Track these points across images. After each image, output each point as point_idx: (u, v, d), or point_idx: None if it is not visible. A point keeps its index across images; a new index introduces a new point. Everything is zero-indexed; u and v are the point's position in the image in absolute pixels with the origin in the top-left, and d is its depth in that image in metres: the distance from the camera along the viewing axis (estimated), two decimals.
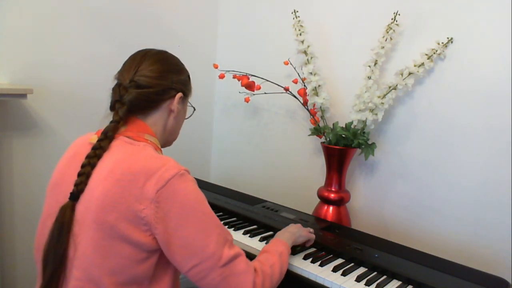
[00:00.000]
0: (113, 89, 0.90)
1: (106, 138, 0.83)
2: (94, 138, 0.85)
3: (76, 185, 0.80)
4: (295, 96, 1.64)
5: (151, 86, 0.88)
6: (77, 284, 0.78)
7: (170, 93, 0.92)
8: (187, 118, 1.05)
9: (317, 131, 1.57)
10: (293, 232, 1.10)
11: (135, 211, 0.76)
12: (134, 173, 0.77)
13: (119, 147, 0.83)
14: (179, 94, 0.93)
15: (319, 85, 1.53)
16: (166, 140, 0.98)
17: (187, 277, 0.82)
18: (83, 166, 0.81)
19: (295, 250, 1.13)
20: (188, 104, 1.02)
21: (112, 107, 0.89)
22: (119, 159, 0.80)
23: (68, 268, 0.79)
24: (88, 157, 0.82)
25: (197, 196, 0.81)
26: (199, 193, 0.81)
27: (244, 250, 1.13)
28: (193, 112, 1.06)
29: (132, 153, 0.81)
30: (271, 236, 1.21)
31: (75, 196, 0.79)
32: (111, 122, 0.85)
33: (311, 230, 1.18)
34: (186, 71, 0.99)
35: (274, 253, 0.95)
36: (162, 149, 0.95)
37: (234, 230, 1.26)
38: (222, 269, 0.79)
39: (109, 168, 0.79)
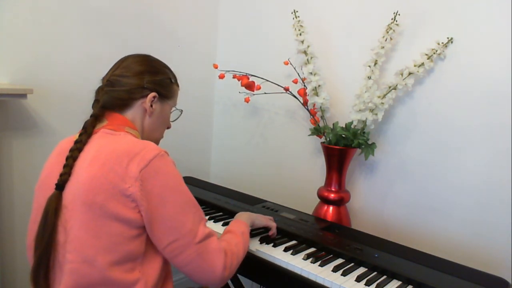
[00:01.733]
0: (95, 91, 0.97)
1: (85, 132, 0.89)
2: (77, 136, 0.91)
3: (60, 175, 0.85)
4: (295, 96, 1.64)
5: (122, 85, 0.93)
6: (72, 267, 0.81)
7: (142, 92, 0.95)
8: (173, 120, 1.08)
9: (317, 131, 1.57)
10: (250, 214, 1.16)
11: (121, 190, 0.80)
12: (117, 155, 0.82)
13: (100, 139, 0.88)
14: (152, 94, 0.96)
15: (319, 85, 1.53)
16: (147, 139, 0.98)
17: (163, 254, 0.86)
18: (66, 159, 0.86)
19: (295, 250, 1.13)
20: (174, 109, 1.07)
21: (92, 106, 0.96)
22: (102, 145, 0.86)
23: (61, 254, 0.83)
24: (71, 150, 0.87)
25: (176, 176, 0.86)
26: (177, 174, 0.87)
27: None
28: (180, 114, 1.10)
29: (113, 140, 0.87)
30: (271, 236, 1.21)
31: (59, 185, 0.84)
32: (90, 117, 0.92)
33: (272, 218, 1.23)
34: (167, 73, 1.02)
35: (237, 232, 1.00)
36: None
37: None
38: (197, 245, 0.84)
39: (92, 155, 0.84)
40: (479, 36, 1.31)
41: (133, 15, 1.76)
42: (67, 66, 1.59)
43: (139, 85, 0.94)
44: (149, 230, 0.84)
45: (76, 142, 0.88)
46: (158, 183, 0.82)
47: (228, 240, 0.96)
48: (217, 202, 1.46)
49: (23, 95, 1.39)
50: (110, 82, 0.94)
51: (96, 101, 0.95)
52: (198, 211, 0.88)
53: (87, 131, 0.89)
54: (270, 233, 1.20)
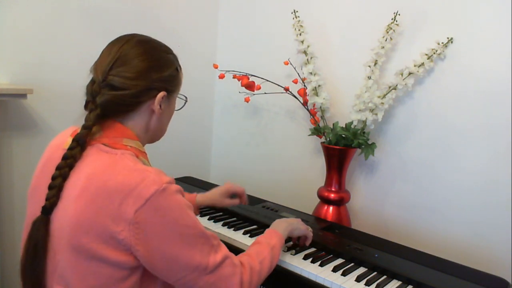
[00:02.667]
0: (87, 86, 0.81)
1: (77, 146, 0.76)
2: (68, 143, 0.78)
3: (47, 199, 0.74)
4: (295, 96, 1.64)
5: (126, 88, 0.78)
6: None
7: (150, 93, 0.82)
8: (178, 109, 0.96)
9: (317, 131, 1.57)
10: (291, 223, 1.08)
11: (111, 233, 0.70)
12: (109, 191, 0.70)
13: (94, 157, 0.76)
14: (162, 93, 0.83)
15: (319, 85, 1.53)
16: (150, 139, 0.90)
17: (175, 286, 0.80)
18: (53, 178, 0.75)
19: (295, 250, 1.13)
20: (181, 97, 0.95)
21: (85, 107, 0.81)
22: (94, 172, 0.73)
23: (49, 284, 0.77)
24: (58, 168, 0.75)
25: (180, 209, 0.74)
26: (181, 206, 0.74)
27: (244, 250, 1.13)
28: (185, 103, 0.97)
29: (108, 164, 0.74)
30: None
31: (47, 210, 0.74)
32: (83, 127, 0.77)
33: (311, 229, 1.18)
34: (172, 63, 0.88)
35: (266, 246, 0.93)
36: (153, 143, 0.91)
37: (234, 230, 1.26)
38: (209, 275, 0.77)
39: (82, 184, 0.72)
40: (479, 36, 1.31)
41: (133, 15, 1.76)
42: (67, 66, 1.59)
43: (146, 86, 0.80)
44: (152, 270, 0.75)
45: (65, 157, 0.75)
46: (157, 221, 0.71)
47: (253, 254, 0.89)
48: None
49: (23, 95, 1.39)
50: (108, 83, 0.77)
51: (90, 103, 0.78)
52: (207, 240, 0.78)
53: (81, 145, 0.76)
54: (303, 242, 1.15)
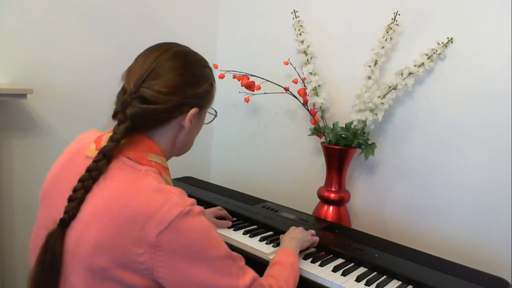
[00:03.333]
0: (118, 95, 0.78)
1: (104, 158, 0.73)
2: (92, 150, 0.77)
3: (66, 211, 0.71)
4: (295, 96, 1.64)
5: (159, 103, 0.75)
6: None
7: (182, 109, 0.79)
8: (207, 123, 0.94)
9: (317, 131, 1.57)
10: (299, 238, 1.08)
11: (132, 255, 0.68)
12: (132, 213, 0.68)
13: (118, 171, 0.73)
14: (194, 110, 0.80)
15: (319, 85, 1.53)
16: (175, 153, 0.89)
17: None
18: (75, 190, 0.72)
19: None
20: (210, 111, 0.93)
21: (114, 116, 0.77)
22: (118, 191, 0.71)
23: None
24: (81, 180, 0.72)
25: (205, 232, 0.72)
26: (206, 228, 0.72)
27: (244, 250, 1.14)
28: (215, 117, 0.94)
29: (131, 182, 0.71)
30: (271, 236, 1.21)
31: (65, 222, 0.71)
32: (111, 139, 0.74)
33: (313, 232, 1.19)
34: (208, 79, 0.85)
35: (286, 265, 0.92)
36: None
37: (234, 230, 1.26)
38: None
39: (105, 202, 0.70)
40: (479, 36, 1.31)
41: (133, 15, 1.76)
42: (67, 66, 1.59)
43: (179, 102, 0.77)
44: None
45: (90, 169, 0.72)
46: (182, 245, 0.68)
47: (277, 275, 0.88)
48: (217, 202, 1.46)
49: (23, 95, 1.39)
50: (140, 95, 0.74)
51: (120, 113, 0.75)
52: (234, 262, 0.75)
53: (107, 158, 0.73)
54: (311, 246, 1.16)
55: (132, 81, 0.75)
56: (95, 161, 0.73)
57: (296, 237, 1.08)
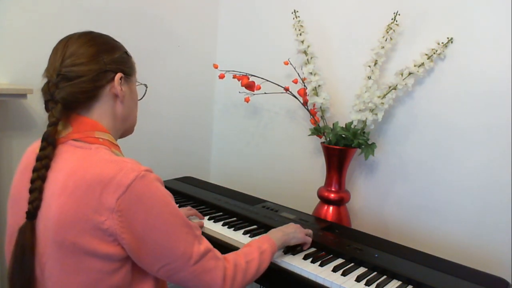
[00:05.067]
0: (42, 89, 0.81)
1: (48, 145, 0.75)
2: (37, 150, 0.78)
3: (30, 202, 0.73)
4: (295, 96, 1.64)
5: (82, 75, 0.77)
6: None
7: (107, 76, 0.81)
8: (140, 99, 0.95)
9: (317, 131, 1.57)
10: (287, 232, 1.07)
11: (96, 224, 0.70)
12: (88, 183, 0.70)
13: (69, 154, 0.76)
14: (119, 75, 0.82)
15: (319, 85, 1.53)
16: (123, 129, 0.89)
17: (157, 276, 0.79)
18: (32, 181, 0.74)
19: (295, 250, 1.13)
20: (137, 84, 0.93)
21: (46, 108, 0.79)
22: (71, 169, 0.73)
23: None
24: (35, 170, 0.75)
25: (162, 197, 0.75)
26: (163, 193, 0.76)
27: None
28: (146, 90, 0.96)
29: (83, 159, 0.74)
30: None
31: (31, 214, 0.73)
32: (48, 125, 0.76)
33: (310, 232, 1.17)
34: (121, 47, 0.87)
35: (256, 249, 0.93)
36: (124, 139, 0.91)
37: (234, 230, 1.26)
38: (193, 267, 0.77)
39: (62, 181, 0.73)
40: (479, 36, 1.31)
41: (133, 15, 1.76)
42: None
43: (100, 69, 0.79)
44: (136, 259, 0.75)
45: (39, 158, 0.75)
46: (141, 208, 0.71)
47: (242, 253, 0.89)
48: (217, 202, 1.46)
49: (23, 95, 1.39)
50: (64, 75, 0.77)
51: (50, 101, 0.77)
52: (191, 230, 0.78)
53: (51, 143, 0.75)
54: (304, 248, 1.15)
55: (52, 70, 0.79)
56: (41, 149, 0.75)
57: (284, 231, 1.08)
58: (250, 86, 1.66)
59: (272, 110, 1.92)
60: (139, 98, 0.94)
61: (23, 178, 0.80)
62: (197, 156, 2.17)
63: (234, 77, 1.68)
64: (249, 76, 1.67)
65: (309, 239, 1.14)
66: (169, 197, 0.77)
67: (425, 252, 1.17)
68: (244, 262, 0.87)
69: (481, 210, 1.34)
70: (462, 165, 1.37)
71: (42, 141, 0.76)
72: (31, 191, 0.74)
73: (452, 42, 1.35)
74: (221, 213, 1.40)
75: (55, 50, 0.82)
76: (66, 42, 0.82)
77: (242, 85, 1.67)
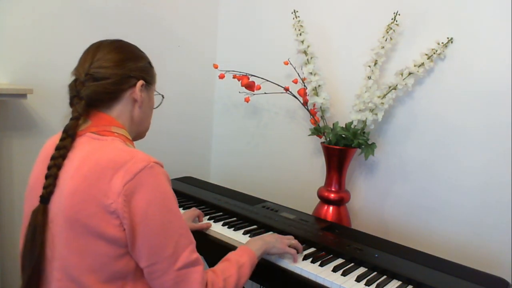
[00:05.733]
0: (69, 85, 0.88)
1: (67, 137, 0.82)
2: (57, 141, 0.84)
3: (44, 187, 0.78)
4: (295, 96, 1.64)
5: (108, 77, 0.85)
6: (59, 285, 0.77)
7: (130, 81, 0.88)
8: (156, 107, 1.01)
9: (317, 131, 1.57)
10: (267, 241, 1.04)
11: (104, 206, 0.74)
12: (101, 168, 0.75)
13: (85, 144, 0.81)
14: (140, 82, 0.89)
15: (319, 85, 1.53)
16: (137, 131, 0.94)
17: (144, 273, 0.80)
18: (49, 168, 0.80)
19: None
20: (155, 93, 0.99)
21: (71, 103, 0.86)
22: (86, 155, 0.79)
23: (49, 270, 0.79)
24: (52, 158, 0.80)
25: (165, 192, 0.78)
26: (167, 189, 0.79)
27: None
28: (162, 100, 1.01)
29: (99, 148, 0.80)
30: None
31: (45, 199, 0.78)
32: (71, 119, 0.83)
33: (294, 243, 1.10)
34: (146, 58, 0.95)
35: (234, 264, 0.91)
36: (136, 142, 0.94)
37: (234, 230, 1.26)
38: (177, 272, 0.77)
39: (76, 165, 0.78)
40: (479, 36, 1.31)
41: (133, 15, 1.76)
42: (67, 66, 1.56)
43: (124, 74, 0.86)
44: (130, 248, 0.77)
45: (58, 148, 0.81)
46: (143, 197, 0.75)
47: (219, 272, 0.87)
48: (217, 202, 1.46)
49: (23, 95, 1.40)
50: (91, 75, 0.84)
51: (75, 97, 0.84)
52: (186, 234, 0.80)
53: (70, 135, 0.82)
54: (294, 260, 1.07)
55: (82, 69, 0.86)
56: (61, 140, 0.82)
57: (265, 240, 1.04)
58: (250, 86, 1.66)
59: (272, 110, 1.92)
60: (155, 106, 1.00)
61: (42, 167, 0.83)
62: (197, 156, 2.17)
63: (234, 77, 1.68)
64: (249, 76, 1.67)
65: (292, 251, 1.06)
66: (172, 195, 0.79)
67: (425, 252, 1.16)
68: (221, 281, 0.85)
69: (481, 210, 1.34)
70: (462, 165, 1.37)
71: (63, 132, 0.82)
72: (46, 177, 0.79)
73: (452, 42, 1.35)
74: (221, 213, 1.40)
75: (86, 52, 0.89)
76: (97, 47, 0.89)
77: (242, 85, 1.67)
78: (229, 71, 1.69)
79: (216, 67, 1.74)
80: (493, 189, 1.31)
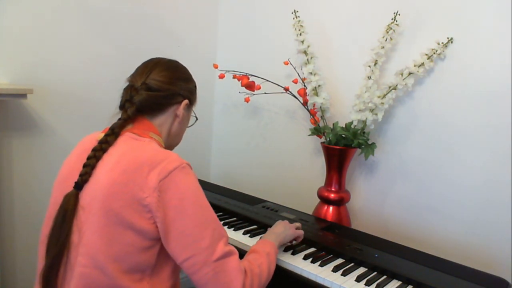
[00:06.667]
0: (125, 89, 0.95)
1: (112, 134, 0.88)
2: (101, 136, 0.89)
3: (81, 175, 0.84)
4: (295, 96, 1.64)
5: (161, 90, 0.93)
6: (83, 271, 0.81)
7: (178, 98, 0.97)
8: (189, 126, 1.08)
9: (317, 131, 1.57)
10: (279, 233, 1.09)
11: (139, 199, 0.79)
12: (139, 163, 0.82)
13: (125, 142, 0.88)
14: (186, 101, 0.98)
15: (319, 85, 1.53)
16: (170, 143, 1.02)
17: (181, 268, 0.84)
18: (88, 158, 0.86)
19: (295, 250, 1.13)
20: (192, 114, 1.07)
21: (122, 106, 0.94)
22: (125, 151, 0.85)
23: (73, 255, 0.83)
24: (94, 150, 0.86)
25: (197, 189, 0.85)
26: (198, 187, 0.85)
27: (244, 251, 1.14)
28: (195, 121, 1.10)
29: (137, 146, 0.87)
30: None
31: (79, 185, 0.84)
32: (119, 119, 0.91)
33: (298, 225, 1.19)
34: (194, 81, 1.04)
35: (262, 253, 0.96)
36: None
37: (234, 230, 1.26)
38: (215, 264, 0.81)
39: (115, 160, 0.84)
40: (479, 36, 1.31)
41: (133, 15, 1.76)
42: (67, 66, 1.59)
43: (175, 91, 0.96)
44: (165, 243, 0.82)
45: (101, 142, 0.87)
46: (176, 195, 0.81)
47: (251, 260, 0.92)
48: (217, 202, 1.46)
49: (23, 95, 1.39)
50: (147, 85, 0.92)
51: (128, 101, 0.92)
52: (218, 228, 0.85)
53: (115, 133, 0.89)
54: (298, 241, 1.17)
55: (139, 78, 0.94)
56: (106, 135, 0.88)
57: (276, 232, 1.09)
58: (250, 86, 1.66)
59: (272, 110, 1.92)
60: (188, 126, 1.08)
61: (78, 160, 0.88)
62: (197, 156, 2.17)
63: (234, 77, 1.68)
64: (249, 76, 1.67)
65: (301, 232, 1.16)
66: (202, 192, 0.86)
67: (425, 252, 1.17)
68: (256, 267, 0.90)
69: (481, 209, 1.34)
70: (462, 165, 1.37)
71: (109, 129, 0.89)
72: (84, 165, 0.85)
73: (452, 42, 1.35)
74: (221, 213, 1.40)
75: (145, 64, 0.98)
76: (156, 63, 0.97)
77: (242, 85, 1.67)
78: (229, 71, 1.69)
79: (216, 67, 1.74)
80: (493, 189, 1.31)
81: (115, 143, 0.88)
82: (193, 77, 1.04)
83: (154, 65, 0.96)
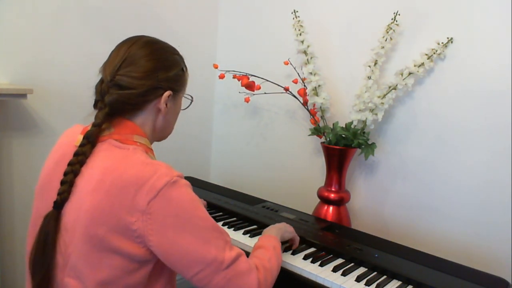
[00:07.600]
0: (96, 86, 0.84)
1: (88, 143, 0.79)
2: (79, 140, 0.81)
3: (59, 193, 0.77)
4: (295, 96, 1.64)
5: (133, 88, 0.81)
6: None
7: (157, 92, 0.84)
8: (184, 109, 0.99)
9: (317, 131, 1.57)
10: (279, 227, 1.09)
11: (126, 224, 0.73)
12: (124, 183, 0.73)
13: (107, 152, 0.79)
14: (167, 93, 0.85)
15: (319, 85, 1.53)
16: (159, 137, 0.93)
17: (191, 283, 0.80)
18: (65, 174, 0.78)
19: (295, 250, 1.13)
20: (185, 96, 0.97)
21: (95, 106, 0.84)
22: (108, 166, 0.76)
23: (59, 277, 0.78)
24: (70, 164, 0.78)
25: (192, 202, 0.77)
26: (193, 198, 0.78)
27: (244, 251, 1.13)
28: (191, 102, 0.99)
29: (121, 159, 0.77)
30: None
31: (58, 205, 0.77)
32: (93, 125, 0.81)
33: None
34: (178, 64, 0.90)
35: (269, 247, 0.95)
36: (160, 141, 0.95)
37: (234, 230, 1.26)
38: (226, 271, 0.78)
39: (98, 177, 0.75)
40: (479, 36, 1.31)
41: (133, 15, 1.76)
42: (67, 66, 1.59)
43: (152, 85, 0.82)
44: (169, 264, 0.77)
45: (77, 154, 0.78)
46: (170, 214, 0.74)
47: (260, 256, 0.90)
48: (217, 202, 1.46)
49: (23, 95, 1.39)
50: (116, 83, 0.80)
51: (99, 102, 0.82)
52: (221, 235, 0.80)
53: (90, 142, 0.79)
54: (294, 246, 1.15)
55: (108, 72, 0.82)
56: (80, 146, 0.79)
57: (276, 226, 1.10)
58: (250, 86, 1.66)
59: (272, 110, 1.92)
60: (183, 108, 0.97)
61: (56, 168, 0.82)
62: (197, 156, 2.17)
63: (234, 77, 1.68)
64: (249, 76, 1.67)
65: (297, 237, 1.16)
66: (198, 202, 0.79)
67: (425, 252, 1.17)
68: (267, 262, 0.88)
69: (481, 209, 1.34)
70: (462, 165, 1.37)
71: (84, 138, 0.80)
72: (62, 183, 0.77)
73: (452, 42, 1.35)
74: (221, 213, 1.40)
75: (117, 49, 0.85)
76: (130, 46, 0.84)
77: (242, 85, 1.66)
78: (229, 71, 1.69)
79: (216, 67, 1.74)
80: (493, 189, 1.31)
81: (94, 152, 0.79)
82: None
83: (126, 51, 0.82)
